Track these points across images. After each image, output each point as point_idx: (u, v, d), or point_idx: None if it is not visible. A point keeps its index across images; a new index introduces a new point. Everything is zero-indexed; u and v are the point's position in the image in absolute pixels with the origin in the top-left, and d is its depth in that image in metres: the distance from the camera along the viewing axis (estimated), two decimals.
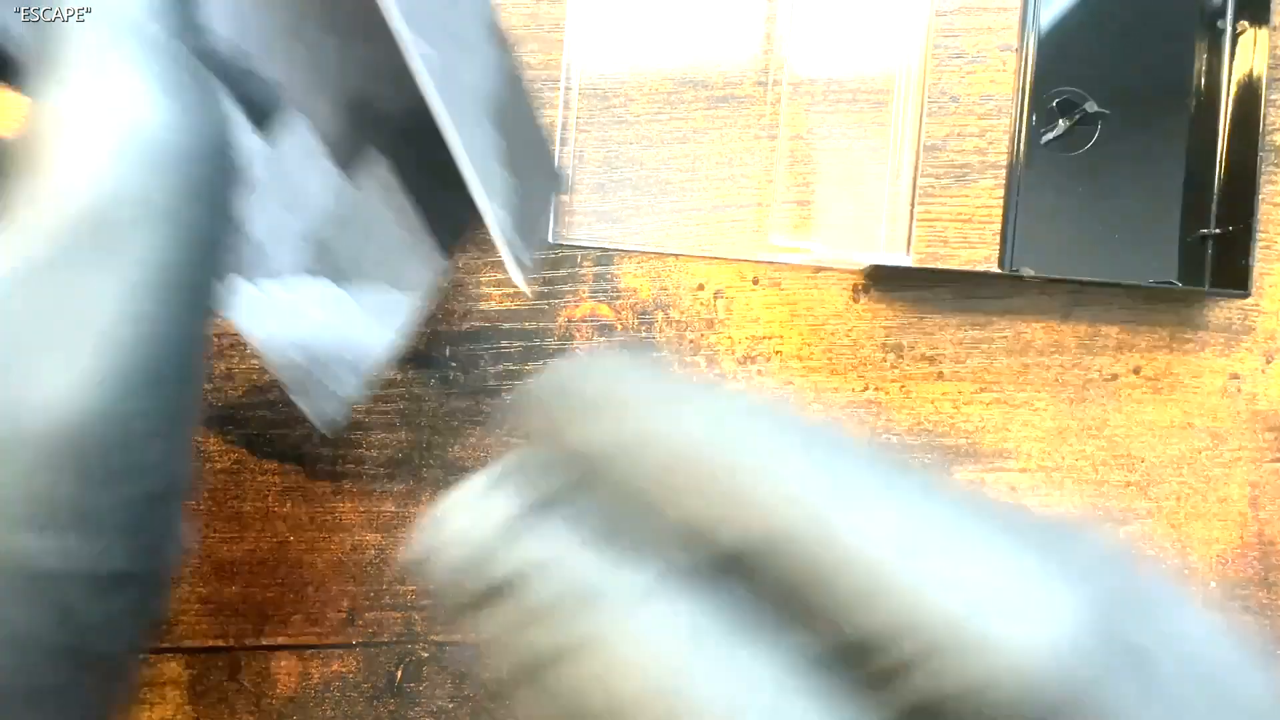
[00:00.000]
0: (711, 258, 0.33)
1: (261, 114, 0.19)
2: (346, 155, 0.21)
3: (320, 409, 0.20)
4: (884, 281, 0.33)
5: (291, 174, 0.19)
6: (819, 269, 0.33)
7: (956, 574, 0.09)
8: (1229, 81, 0.33)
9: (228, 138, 0.14)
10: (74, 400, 0.12)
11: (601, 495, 0.11)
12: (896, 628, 0.09)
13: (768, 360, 0.33)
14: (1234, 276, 0.32)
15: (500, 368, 0.32)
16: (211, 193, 0.14)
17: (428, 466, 0.32)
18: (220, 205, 0.14)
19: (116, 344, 0.12)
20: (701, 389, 0.11)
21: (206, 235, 0.13)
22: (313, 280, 0.21)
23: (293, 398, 0.20)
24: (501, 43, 0.21)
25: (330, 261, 0.21)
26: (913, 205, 0.33)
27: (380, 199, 0.22)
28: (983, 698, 0.09)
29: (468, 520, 0.11)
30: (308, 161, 0.20)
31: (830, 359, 0.33)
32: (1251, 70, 0.32)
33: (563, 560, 0.11)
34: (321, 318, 0.21)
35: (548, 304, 0.32)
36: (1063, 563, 0.10)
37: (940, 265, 0.33)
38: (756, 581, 0.10)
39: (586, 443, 0.11)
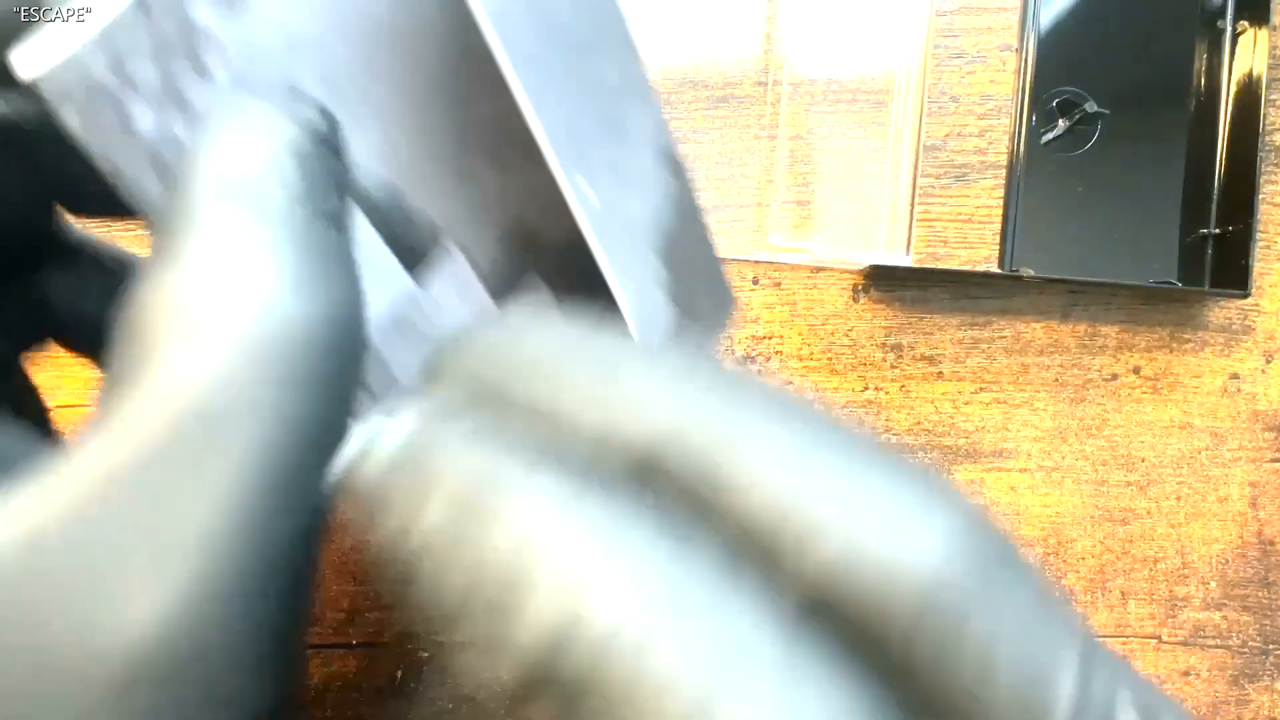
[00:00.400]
0: None
1: (415, 255, 0.18)
2: (503, 285, 0.20)
3: None
4: (884, 281, 0.33)
5: (445, 313, 0.19)
6: (819, 269, 0.33)
7: (841, 485, 0.10)
8: (1229, 81, 0.33)
9: (356, 321, 0.13)
10: (159, 620, 0.11)
11: (506, 416, 0.12)
12: (780, 526, 0.10)
13: (767, 360, 0.33)
14: (1234, 276, 0.32)
15: None
16: (330, 384, 0.12)
17: None
18: (339, 397, 0.12)
19: (210, 554, 0.11)
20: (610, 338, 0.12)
21: (320, 431, 0.12)
22: None
23: None
24: (676, 169, 0.20)
25: None
26: (912, 205, 0.33)
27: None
28: (862, 593, 0.10)
29: (388, 432, 0.12)
30: (462, 298, 0.19)
31: (830, 359, 0.33)
32: (1251, 70, 0.32)
33: (486, 461, 0.11)
34: None
35: None
36: (934, 487, 0.11)
37: (940, 265, 0.33)
38: (660, 487, 0.11)
39: (485, 370, 0.12)
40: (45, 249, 0.20)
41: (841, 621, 0.10)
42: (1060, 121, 0.33)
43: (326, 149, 0.14)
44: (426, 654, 0.32)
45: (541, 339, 0.12)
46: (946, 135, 0.33)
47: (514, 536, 0.10)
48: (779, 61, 0.33)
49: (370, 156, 0.17)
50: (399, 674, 0.31)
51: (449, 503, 0.11)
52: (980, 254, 0.33)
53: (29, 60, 0.13)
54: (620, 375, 0.11)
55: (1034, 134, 0.33)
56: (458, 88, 0.18)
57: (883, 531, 0.10)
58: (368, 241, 0.17)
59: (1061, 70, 0.33)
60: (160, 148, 0.14)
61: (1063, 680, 0.10)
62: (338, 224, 0.13)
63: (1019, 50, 0.33)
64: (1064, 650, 0.10)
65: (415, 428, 0.12)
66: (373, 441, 0.12)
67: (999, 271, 0.33)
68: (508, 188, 0.19)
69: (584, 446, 0.11)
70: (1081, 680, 0.10)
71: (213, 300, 0.12)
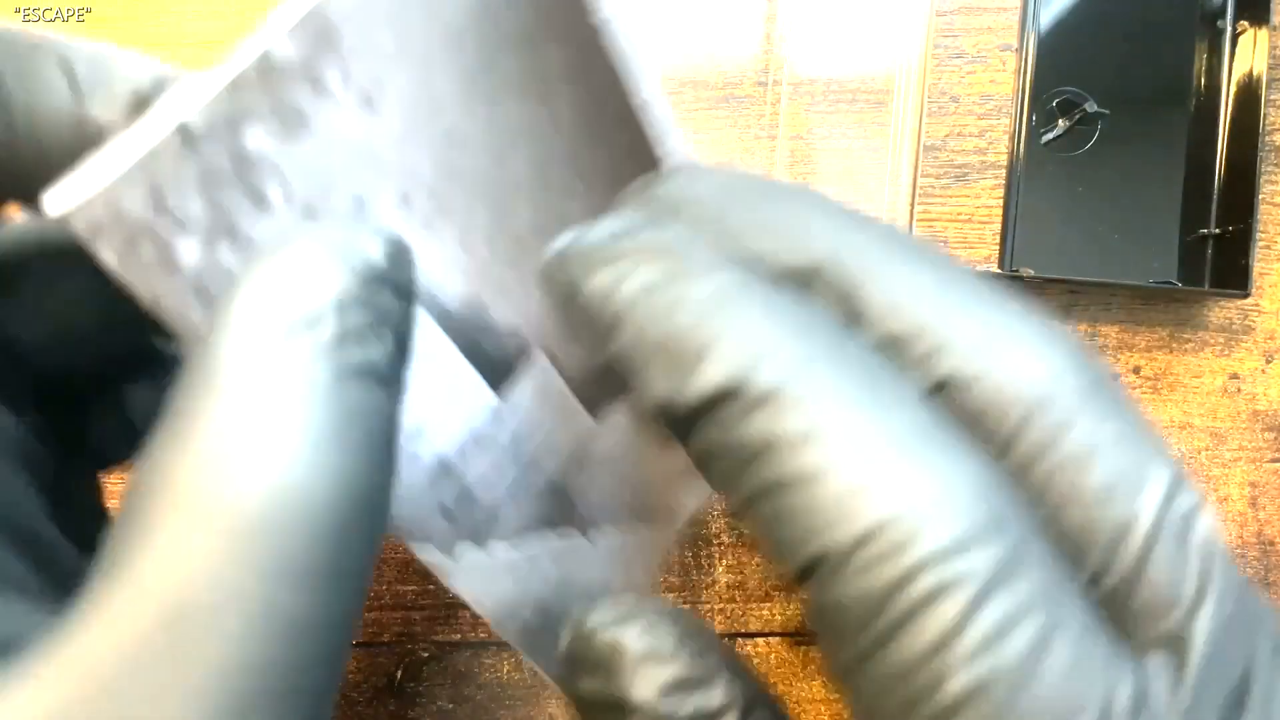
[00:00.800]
0: None
1: (500, 366, 0.17)
2: (595, 390, 0.19)
3: (556, 665, 0.19)
4: None
5: (530, 426, 0.18)
6: None
7: (970, 312, 0.12)
8: (1229, 81, 0.33)
9: (370, 495, 0.12)
10: None
11: (689, 226, 0.13)
12: (915, 339, 0.12)
13: None
14: (1234, 276, 0.32)
15: None
16: (328, 568, 0.12)
17: None
18: (341, 580, 0.12)
19: None
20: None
21: (315, 621, 0.12)
22: (551, 534, 0.19)
23: (524, 656, 0.18)
24: None
25: (571, 510, 0.19)
26: (913, 205, 0.33)
27: (633, 430, 0.20)
28: (980, 393, 0.12)
29: (597, 226, 0.14)
30: (549, 405, 0.18)
31: None
32: (1251, 70, 0.32)
33: (680, 248, 0.13)
34: (558, 570, 0.19)
35: None
36: (1050, 325, 0.12)
37: None
38: (815, 294, 0.12)
39: (671, 196, 0.14)
40: (131, 365, 0.19)
41: (959, 409, 0.12)
42: (1060, 121, 0.33)
43: (382, 287, 0.13)
44: (426, 654, 0.32)
45: (718, 177, 0.14)
46: (946, 135, 0.33)
47: (704, 304, 0.12)
48: (779, 61, 0.33)
49: (449, 268, 0.16)
50: (399, 674, 0.31)
51: (650, 273, 0.12)
52: (980, 254, 0.33)
53: (58, 195, 0.12)
54: (788, 207, 0.13)
55: (1034, 134, 0.33)
56: (542, 187, 0.17)
57: (1003, 351, 0.12)
58: (447, 357, 0.16)
59: (1061, 70, 0.33)
60: (206, 280, 0.13)
61: (1150, 489, 0.11)
62: (379, 375, 0.13)
63: (1019, 50, 0.33)
64: (1155, 468, 0.11)
65: (620, 222, 0.14)
66: (584, 230, 0.14)
67: (999, 271, 0.33)
68: None
69: (755, 257, 0.13)
70: (1168, 494, 0.11)
71: (210, 479, 0.11)
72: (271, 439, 0.11)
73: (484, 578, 0.17)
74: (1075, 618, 0.11)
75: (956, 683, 0.10)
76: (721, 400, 0.11)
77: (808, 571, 0.11)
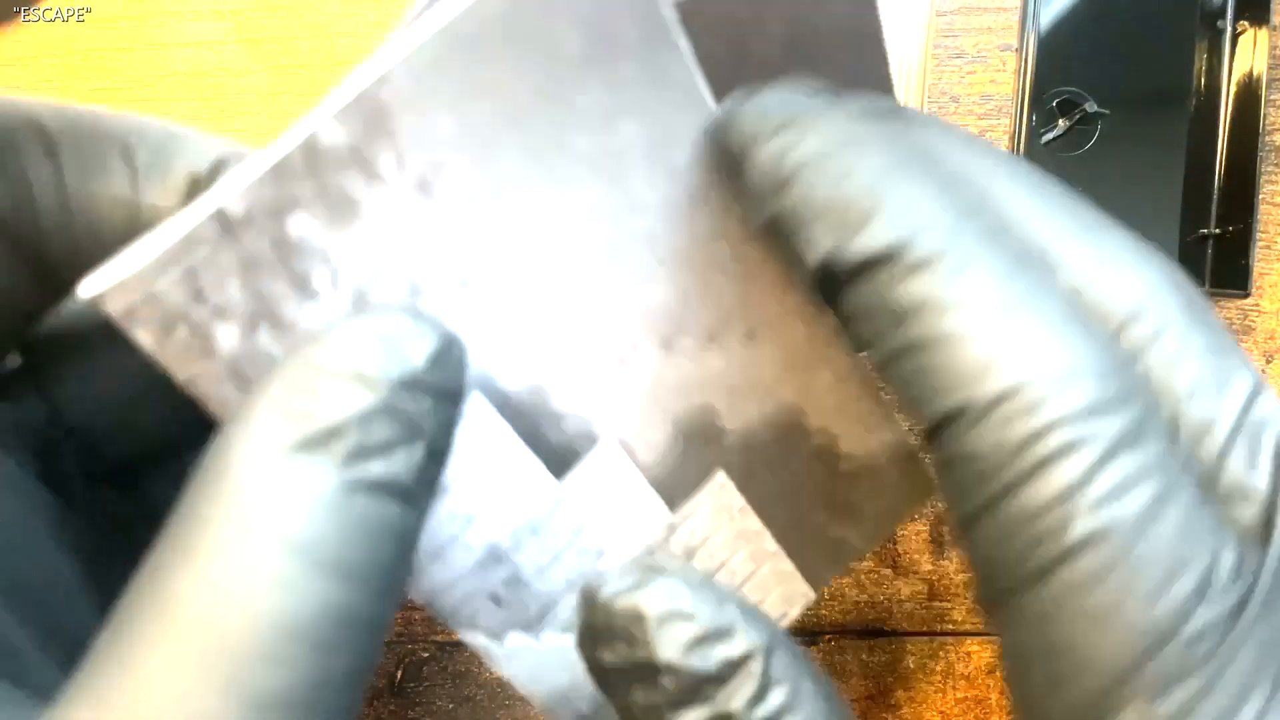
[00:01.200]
0: None
1: (563, 453, 0.17)
2: (675, 478, 0.18)
3: None
4: None
5: (591, 509, 0.17)
6: None
7: (1080, 232, 0.14)
8: (1229, 81, 0.33)
9: (372, 623, 0.12)
10: None
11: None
12: (1042, 242, 0.14)
13: None
14: (1234, 276, 0.32)
15: None
16: (319, 702, 0.11)
17: None
18: (322, 707, 0.12)
19: None
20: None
21: None
22: None
23: None
24: None
25: None
26: None
27: (713, 520, 0.19)
28: (1091, 299, 0.13)
29: (763, 92, 0.14)
30: (614, 491, 0.17)
31: None
32: (1251, 70, 0.32)
33: (848, 118, 0.14)
34: None
35: None
36: (1152, 249, 0.14)
37: None
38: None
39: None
40: (191, 433, 0.19)
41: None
42: (1060, 121, 0.33)
43: (418, 394, 0.12)
44: (426, 654, 0.32)
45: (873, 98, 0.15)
46: None
47: (875, 172, 0.13)
48: None
49: (510, 354, 0.16)
50: (399, 674, 0.31)
51: (826, 138, 0.13)
52: None
53: (94, 280, 0.12)
54: (931, 129, 0.15)
55: (1034, 134, 0.33)
56: (616, 271, 0.16)
57: (1108, 267, 0.13)
58: (504, 444, 0.16)
59: (1061, 70, 0.33)
60: (243, 365, 0.13)
61: (1232, 394, 0.13)
62: (399, 490, 0.12)
63: (1019, 50, 0.33)
64: (1237, 376, 0.13)
65: (797, 89, 0.14)
66: (757, 91, 0.14)
67: None
68: (679, 374, 0.17)
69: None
70: (1248, 400, 0.13)
71: (202, 601, 0.11)
72: (267, 561, 0.11)
73: (534, 665, 0.17)
74: (1186, 487, 0.12)
75: (1079, 528, 0.11)
76: (882, 261, 0.12)
77: (944, 423, 0.12)
